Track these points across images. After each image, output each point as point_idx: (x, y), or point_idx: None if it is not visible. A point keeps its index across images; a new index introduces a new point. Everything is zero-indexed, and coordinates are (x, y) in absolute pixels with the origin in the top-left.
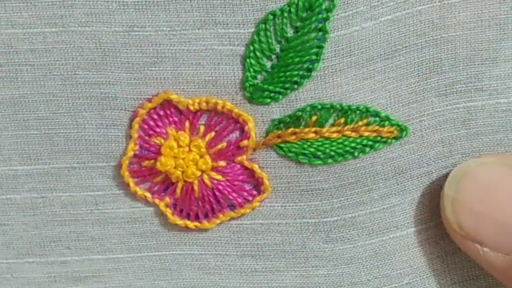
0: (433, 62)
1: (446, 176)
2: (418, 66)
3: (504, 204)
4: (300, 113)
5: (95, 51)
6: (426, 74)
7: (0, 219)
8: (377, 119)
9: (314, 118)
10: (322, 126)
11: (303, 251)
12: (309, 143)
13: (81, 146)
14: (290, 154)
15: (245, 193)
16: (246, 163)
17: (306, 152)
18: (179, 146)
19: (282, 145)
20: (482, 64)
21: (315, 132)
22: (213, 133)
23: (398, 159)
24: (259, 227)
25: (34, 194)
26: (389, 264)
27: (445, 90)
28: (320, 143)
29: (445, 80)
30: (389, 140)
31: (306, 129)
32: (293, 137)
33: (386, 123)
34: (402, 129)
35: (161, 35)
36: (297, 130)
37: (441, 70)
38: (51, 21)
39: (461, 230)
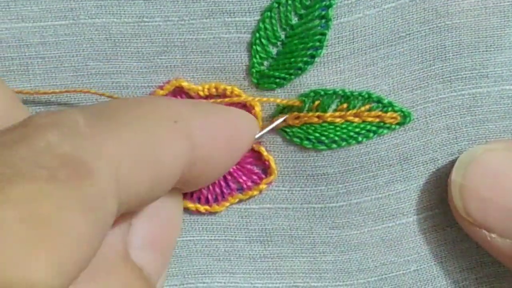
0: (437, 49)
1: (452, 162)
2: (422, 53)
3: (510, 190)
4: (303, 98)
5: (106, 42)
6: (430, 61)
7: None
8: (380, 105)
9: (317, 103)
10: (325, 111)
11: (310, 237)
12: (313, 128)
13: None
14: (295, 139)
15: (254, 176)
16: (254, 146)
17: (311, 137)
18: None
19: (287, 129)
20: (486, 51)
21: (318, 116)
22: None
23: (403, 145)
24: (266, 211)
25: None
26: (396, 251)
27: (450, 76)
28: (324, 128)
29: (449, 67)
30: (393, 126)
31: (310, 114)
32: (297, 121)
33: (389, 109)
34: (405, 115)
35: (170, 25)
36: (300, 114)
37: (445, 57)
38: (61, 14)
39: (468, 217)
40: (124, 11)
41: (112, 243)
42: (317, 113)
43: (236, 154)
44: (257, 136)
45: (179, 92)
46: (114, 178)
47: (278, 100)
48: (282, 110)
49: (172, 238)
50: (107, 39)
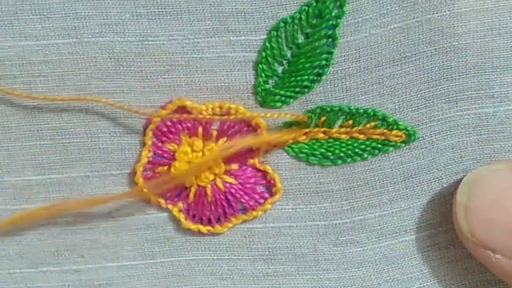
0: (443, 69)
1: (456, 182)
2: (428, 73)
3: None
4: (310, 114)
5: (109, 61)
6: (436, 80)
7: (15, 229)
8: (385, 123)
9: (323, 119)
10: (330, 127)
11: (313, 254)
12: (319, 144)
13: (95, 154)
14: (301, 155)
15: (257, 196)
16: (258, 165)
17: (317, 153)
18: (193, 151)
19: (294, 145)
20: (492, 71)
21: (324, 132)
22: (225, 138)
23: (408, 164)
24: (270, 230)
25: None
26: (399, 268)
27: (456, 96)
28: (330, 144)
29: (455, 87)
30: (398, 144)
31: (316, 129)
32: (304, 137)
33: (394, 127)
34: (410, 134)
35: (174, 44)
36: (306, 130)
37: (451, 77)
38: (64, 32)
39: (473, 237)
40: (128, 30)
41: None
42: (323, 129)
43: None
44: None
45: (182, 111)
46: None
47: (283, 115)
48: (289, 127)
49: None
50: (110, 58)
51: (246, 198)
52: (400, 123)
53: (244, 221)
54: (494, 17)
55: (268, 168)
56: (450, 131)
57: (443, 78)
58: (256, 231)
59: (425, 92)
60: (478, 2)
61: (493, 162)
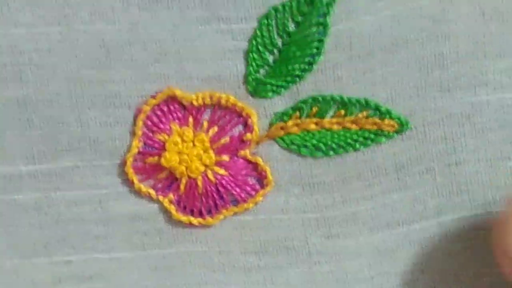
0: (435, 56)
1: (449, 173)
2: (420, 61)
3: None
4: (301, 105)
5: (99, 50)
6: (428, 68)
7: (5, 220)
8: (377, 112)
9: (314, 109)
10: (322, 117)
11: (305, 247)
12: (311, 135)
13: (85, 144)
14: (293, 147)
15: (248, 188)
16: (250, 157)
17: (308, 144)
18: (183, 141)
19: (285, 137)
20: (485, 58)
21: (316, 123)
22: (216, 128)
23: (400, 154)
24: (261, 222)
25: (39, 194)
26: (392, 261)
27: (448, 85)
28: (321, 135)
29: (448, 75)
30: (391, 134)
31: (308, 120)
32: (296, 128)
33: (387, 116)
34: (403, 123)
35: (165, 33)
36: (298, 121)
37: (444, 64)
38: (55, 20)
39: None
40: (119, 19)
41: None
42: (315, 119)
43: None
44: None
45: (171, 101)
46: None
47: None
48: (281, 117)
49: None
50: (100, 47)
51: (238, 190)
52: (392, 112)
53: (235, 213)
54: (486, 1)
55: (259, 160)
56: (443, 121)
57: (436, 66)
58: (247, 223)
59: (417, 81)
60: None
61: None
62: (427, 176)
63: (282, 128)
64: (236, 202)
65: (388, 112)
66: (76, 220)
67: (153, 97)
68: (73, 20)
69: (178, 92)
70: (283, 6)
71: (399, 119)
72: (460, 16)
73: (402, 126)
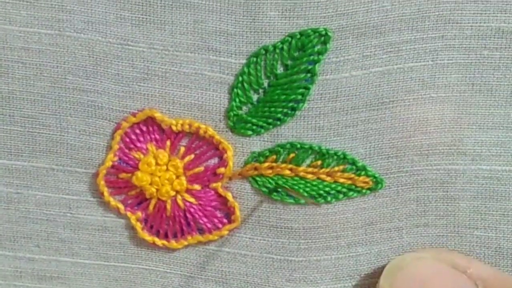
0: (419, 120)
1: (416, 234)
2: (403, 122)
3: None
4: (279, 149)
5: (87, 59)
6: (410, 132)
7: None
8: (354, 167)
9: (291, 155)
10: (298, 165)
11: (266, 285)
12: (284, 180)
13: (62, 149)
14: (264, 189)
15: (216, 220)
16: (221, 190)
17: (280, 189)
18: (157, 164)
19: (258, 178)
20: (468, 128)
21: (291, 169)
22: (192, 156)
23: (370, 210)
24: (225, 255)
25: (10, 189)
26: None
27: (428, 150)
28: (295, 182)
29: (428, 140)
30: (364, 191)
31: (283, 165)
32: (269, 171)
33: (362, 172)
34: (378, 182)
35: (154, 53)
36: (273, 164)
37: (426, 130)
38: (48, 23)
39: None
40: (110, 31)
41: None
42: (290, 166)
43: None
44: None
45: (151, 122)
46: None
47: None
48: (257, 157)
49: None
50: (89, 56)
51: (205, 220)
52: (369, 169)
53: (200, 242)
54: (477, 72)
55: (229, 195)
56: (417, 184)
57: (418, 130)
58: (212, 253)
59: (397, 142)
60: (462, 55)
61: (417, 250)
62: (394, 234)
63: (256, 168)
64: (202, 231)
65: (364, 169)
66: (44, 220)
67: (133, 115)
68: (66, 26)
69: (158, 115)
70: (274, 47)
71: (374, 177)
72: (449, 84)
73: (376, 185)
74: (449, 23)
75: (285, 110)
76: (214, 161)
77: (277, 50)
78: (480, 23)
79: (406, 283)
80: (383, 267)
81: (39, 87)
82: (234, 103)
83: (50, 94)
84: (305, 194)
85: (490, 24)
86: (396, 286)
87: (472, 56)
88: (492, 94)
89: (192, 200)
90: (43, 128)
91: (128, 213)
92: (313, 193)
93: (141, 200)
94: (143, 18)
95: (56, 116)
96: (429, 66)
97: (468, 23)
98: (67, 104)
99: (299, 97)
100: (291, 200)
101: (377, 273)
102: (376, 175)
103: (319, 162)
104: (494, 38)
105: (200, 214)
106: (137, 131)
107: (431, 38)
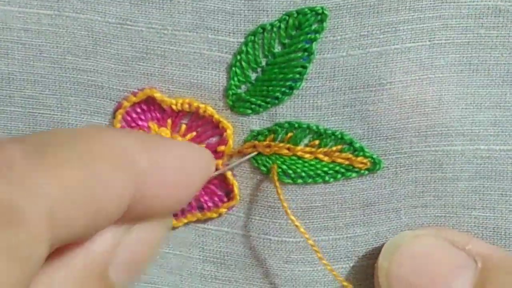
0: (417, 101)
1: (413, 215)
2: (401, 104)
3: (438, 276)
4: (277, 128)
5: (87, 39)
6: (408, 113)
7: None
8: (351, 147)
9: (289, 134)
10: (296, 144)
11: (263, 267)
12: (282, 160)
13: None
14: (262, 168)
15: (216, 198)
16: (221, 168)
17: (278, 168)
18: None
19: (257, 157)
20: (466, 108)
21: (289, 148)
22: (194, 133)
23: (368, 191)
24: (224, 235)
25: None
26: None
27: (426, 131)
28: (292, 161)
29: (426, 122)
30: (362, 171)
31: (281, 144)
32: (268, 149)
33: (360, 153)
34: (375, 162)
35: (152, 32)
36: (271, 143)
37: (424, 111)
38: (47, 3)
39: None
40: (109, 11)
41: (95, 256)
42: (288, 145)
43: (189, 190)
44: (228, 167)
45: (151, 101)
46: (47, 217)
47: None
48: (256, 136)
49: (147, 262)
50: (88, 36)
51: (206, 198)
52: (366, 150)
53: (199, 220)
54: (474, 52)
55: (228, 173)
56: (416, 165)
57: (416, 111)
58: (210, 232)
59: (395, 123)
60: (460, 35)
61: (417, 228)
62: (392, 215)
63: (254, 146)
64: (202, 209)
65: (362, 149)
66: None
67: (134, 94)
68: (65, 6)
69: (158, 95)
70: (272, 25)
71: (372, 158)
72: (447, 64)
73: (374, 165)
74: (446, 2)
75: (283, 89)
76: (214, 139)
77: (275, 29)
78: (477, 2)
79: (404, 260)
80: (380, 248)
81: (39, 68)
82: (232, 82)
83: (50, 75)
84: (303, 174)
85: (487, 3)
86: (396, 264)
87: (469, 36)
88: (489, 74)
89: None
90: (44, 108)
91: None
92: (311, 173)
93: None
94: None
95: (57, 96)
96: (427, 47)
97: (465, 2)
98: (67, 84)
99: (297, 76)
100: (289, 180)
101: (375, 254)
102: (374, 156)
103: (316, 142)
104: (491, 17)
105: (202, 192)
106: (138, 110)
107: (428, 18)
